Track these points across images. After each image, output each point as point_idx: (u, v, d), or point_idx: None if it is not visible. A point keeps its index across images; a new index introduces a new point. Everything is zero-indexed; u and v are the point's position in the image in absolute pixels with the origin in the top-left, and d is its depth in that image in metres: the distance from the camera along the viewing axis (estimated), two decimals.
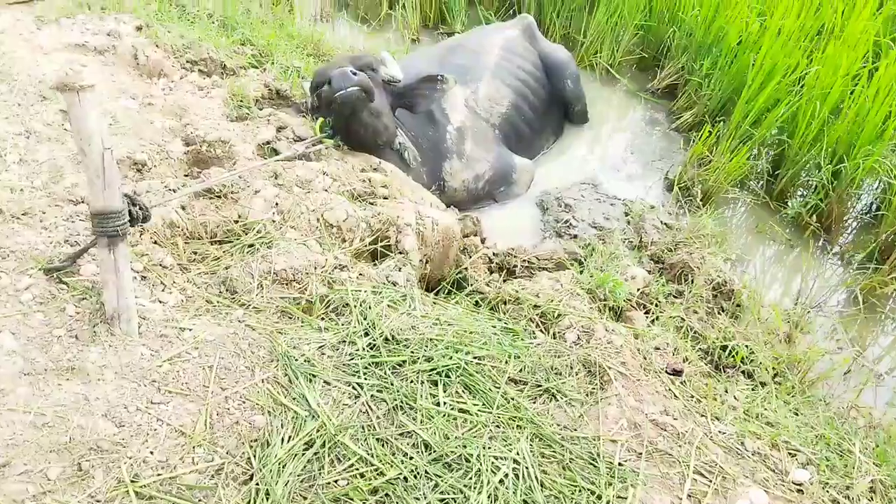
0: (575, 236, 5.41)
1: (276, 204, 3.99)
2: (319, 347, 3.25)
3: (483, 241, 4.90)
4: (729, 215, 5.97)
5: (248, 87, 5.11)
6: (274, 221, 3.91)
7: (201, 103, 4.78)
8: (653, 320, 4.40)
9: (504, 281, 4.62)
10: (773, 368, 4.22)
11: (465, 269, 4.48)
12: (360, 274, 3.78)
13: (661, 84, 7.25)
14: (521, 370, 3.29)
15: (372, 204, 4.31)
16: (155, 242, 3.65)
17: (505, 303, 4.06)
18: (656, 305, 4.52)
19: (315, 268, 3.67)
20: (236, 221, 3.88)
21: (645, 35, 7.39)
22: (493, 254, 4.75)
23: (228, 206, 3.99)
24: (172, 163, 4.23)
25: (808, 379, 4.30)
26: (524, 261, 4.74)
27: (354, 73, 4.42)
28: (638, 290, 4.53)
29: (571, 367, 3.36)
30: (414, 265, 4.01)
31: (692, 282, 4.77)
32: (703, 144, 5.89)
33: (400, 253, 4.02)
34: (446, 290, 4.36)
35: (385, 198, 4.40)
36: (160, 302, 3.30)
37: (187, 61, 5.14)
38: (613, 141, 6.67)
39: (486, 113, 5.78)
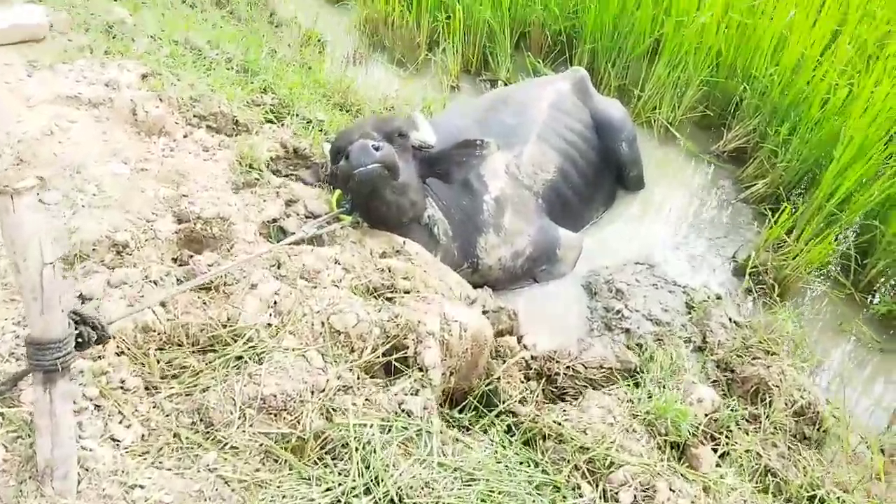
0: (627, 330, 4.67)
1: (275, 303, 3.33)
2: None
3: (520, 339, 4.18)
4: (807, 310, 5.16)
5: (260, 147, 4.49)
6: (270, 325, 3.25)
7: (204, 168, 4.17)
8: (722, 454, 3.63)
9: (543, 391, 3.91)
10: None
11: (498, 378, 3.76)
12: (368, 400, 3.10)
13: (728, 146, 6.47)
14: None
15: (390, 300, 3.64)
16: (121, 353, 3.02)
17: (544, 437, 3.33)
18: (727, 436, 3.74)
19: (312, 392, 3.00)
20: (224, 325, 3.23)
21: (710, 91, 6.63)
22: (532, 357, 4.03)
23: (218, 303, 3.35)
24: (160, 244, 3.61)
25: None
26: (567, 367, 4.00)
27: (377, 148, 3.78)
28: (706, 415, 3.77)
29: None
30: (434, 385, 3.31)
31: (769, 404, 3.98)
32: (780, 227, 5.09)
33: (419, 370, 3.32)
34: (472, 406, 3.65)
35: (406, 292, 3.72)
36: (113, 441, 2.66)
37: (194, 116, 4.55)
38: (672, 212, 5.90)
39: (530, 180, 5.08)
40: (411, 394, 3.20)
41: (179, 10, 6.29)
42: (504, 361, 3.90)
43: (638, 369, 4.01)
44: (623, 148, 5.71)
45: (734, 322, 4.66)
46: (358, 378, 3.21)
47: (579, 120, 5.56)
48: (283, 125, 4.99)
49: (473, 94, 6.89)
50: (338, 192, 4.10)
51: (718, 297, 4.95)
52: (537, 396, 3.78)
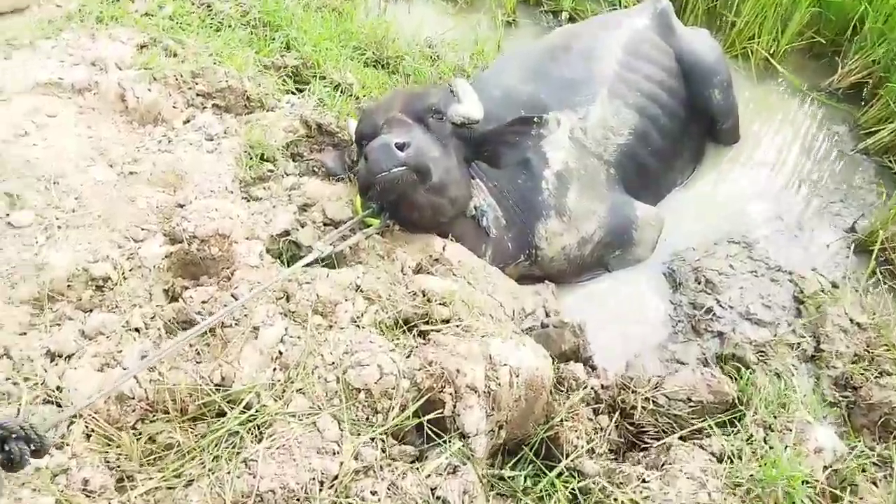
0: (720, 334, 3.87)
1: (280, 354, 2.71)
2: None
3: (587, 361, 3.45)
4: None
5: (275, 127, 3.80)
6: (274, 385, 2.64)
7: (205, 164, 3.52)
8: None
9: (617, 427, 3.22)
10: None
11: (560, 422, 3.07)
12: (393, 485, 2.48)
13: (844, 82, 5.34)
14: None
15: (424, 335, 2.96)
16: (90, 435, 2.48)
17: None
18: (853, 492, 2.97)
19: (323, 483, 2.40)
20: (218, 386, 2.64)
21: (822, 13, 5.44)
22: (602, 386, 3.31)
23: (213, 352, 2.76)
24: (147, 274, 3.01)
25: None
26: (647, 399, 3.27)
27: (402, 146, 3.01)
28: (825, 467, 3.00)
29: None
30: (478, 458, 2.66)
31: None
32: None
33: (459, 436, 2.67)
34: (528, 460, 3.00)
35: (446, 321, 3.02)
36: None
37: (197, 95, 3.86)
38: (774, 170, 4.91)
39: (599, 147, 4.20)
40: (448, 473, 2.56)
41: None
42: (568, 396, 3.19)
43: (736, 401, 3.24)
44: (716, 96, 4.70)
45: (856, 323, 3.78)
46: (383, 452, 2.58)
47: (661, 65, 4.57)
48: (304, 95, 4.24)
49: (533, 31, 5.90)
50: (358, 198, 3.39)
51: (835, 286, 4.06)
52: (608, 444, 3.08)
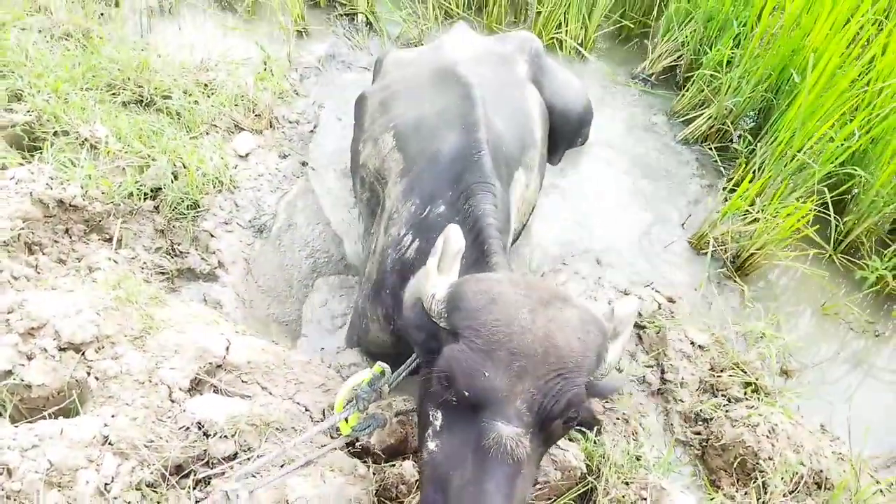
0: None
1: None
2: None
3: (416, 452, 2.96)
4: (778, 289, 4.07)
5: None
6: None
7: None
8: None
9: None
10: None
11: None
12: None
13: (656, 67, 5.13)
14: None
15: (207, 483, 2.34)
16: None
17: None
18: None
19: None
20: None
21: None
22: None
23: None
24: None
25: None
26: None
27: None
28: None
29: None
30: None
31: (763, 487, 2.94)
32: (740, 198, 3.90)
33: None
34: None
35: (231, 458, 2.41)
36: None
37: None
38: (595, 171, 4.60)
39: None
40: None
41: None
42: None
43: (585, 472, 2.87)
44: (578, 142, 4.42)
45: (697, 346, 3.54)
46: None
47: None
48: (36, 162, 3.40)
49: (331, 41, 5.25)
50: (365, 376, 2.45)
51: (671, 301, 3.81)
52: None
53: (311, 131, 4.55)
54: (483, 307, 2.08)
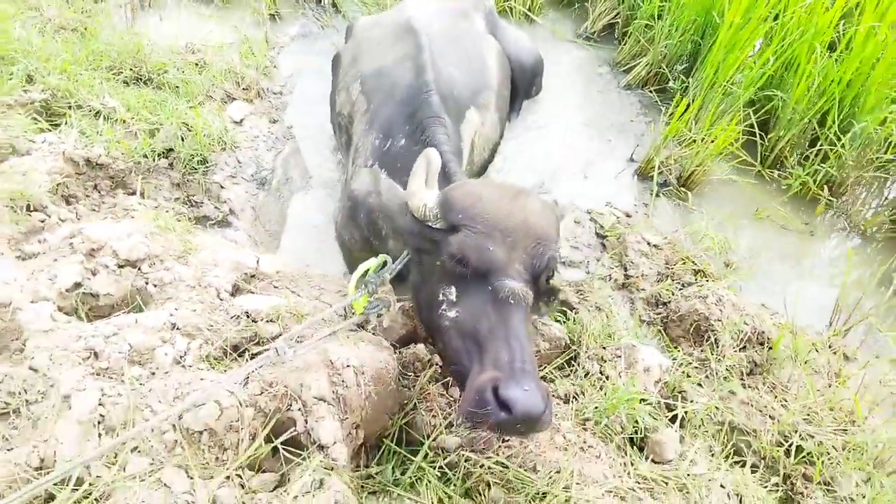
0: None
1: (102, 418, 2.44)
2: None
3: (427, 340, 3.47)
4: (717, 202, 4.69)
5: (35, 174, 3.39)
6: (102, 452, 2.38)
7: None
8: (683, 421, 3.16)
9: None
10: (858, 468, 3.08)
11: (414, 407, 3.07)
12: None
13: (598, 25, 5.75)
14: None
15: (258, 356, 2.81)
16: None
17: (489, 485, 2.71)
18: (682, 398, 3.27)
19: None
20: (38, 470, 2.34)
21: None
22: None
23: (23, 436, 2.44)
24: None
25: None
26: None
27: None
28: (656, 382, 3.26)
29: None
30: (343, 465, 2.58)
31: (716, 343, 3.53)
32: (679, 121, 4.51)
33: (318, 448, 2.57)
34: (392, 452, 2.97)
35: (275, 336, 2.89)
36: None
37: None
38: (553, 116, 5.18)
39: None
40: (315, 489, 2.46)
41: None
42: (416, 379, 3.20)
43: (569, 342, 3.42)
44: (533, 92, 4.97)
45: (653, 245, 4.13)
46: (242, 487, 2.43)
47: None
48: (61, 130, 3.82)
49: (299, 20, 5.74)
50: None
51: (629, 216, 4.39)
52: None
53: (290, 94, 5.03)
54: (473, 203, 2.66)
